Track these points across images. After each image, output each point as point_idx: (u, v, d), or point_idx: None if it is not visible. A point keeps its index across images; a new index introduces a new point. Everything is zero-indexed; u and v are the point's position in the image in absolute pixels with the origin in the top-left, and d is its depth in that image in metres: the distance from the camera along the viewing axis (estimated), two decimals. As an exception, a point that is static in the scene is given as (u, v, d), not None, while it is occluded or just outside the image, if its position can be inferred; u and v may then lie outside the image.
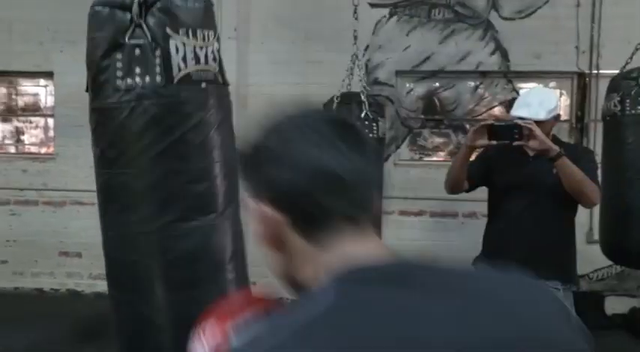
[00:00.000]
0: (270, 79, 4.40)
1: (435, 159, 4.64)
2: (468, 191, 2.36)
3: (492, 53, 4.37)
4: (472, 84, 4.51)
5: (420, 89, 4.57)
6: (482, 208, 2.48)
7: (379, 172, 0.53)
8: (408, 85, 4.58)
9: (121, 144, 1.32)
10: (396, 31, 4.42)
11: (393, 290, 0.53)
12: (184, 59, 1.30)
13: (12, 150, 5.03)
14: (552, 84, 4.72)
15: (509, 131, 2.02)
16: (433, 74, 4.48)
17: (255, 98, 4.49)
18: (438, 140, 4.63)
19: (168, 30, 1.29)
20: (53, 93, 4.81)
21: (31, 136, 5.07)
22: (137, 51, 1.28)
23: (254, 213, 0.63)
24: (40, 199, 4.79)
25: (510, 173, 2.18)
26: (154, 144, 1.30)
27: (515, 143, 2.02)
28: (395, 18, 4.42)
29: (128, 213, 1.34)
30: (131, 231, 1.34)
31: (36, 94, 5.00)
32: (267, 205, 0.61)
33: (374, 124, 2.88)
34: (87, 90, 1.40)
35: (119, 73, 1.29)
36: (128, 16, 1.29)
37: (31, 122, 5.05)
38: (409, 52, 4.41)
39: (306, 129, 0.61)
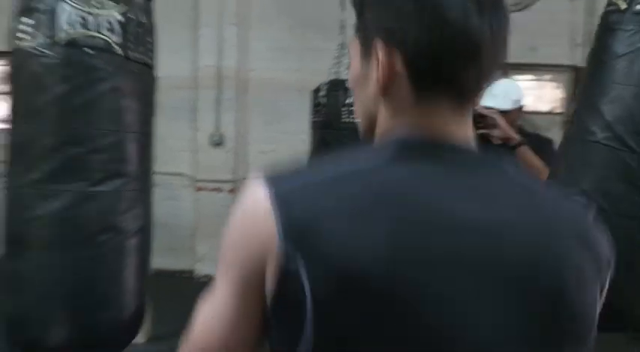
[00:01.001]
0: (269, 65, 4.54)
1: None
2: None
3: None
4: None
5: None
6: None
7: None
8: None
9: (12, 101, 1.43)
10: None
11: (434, 170, 0.57)
12: (71, 24, 1.35)
13: None
14: (548, 77, 4.80)
15: (473, 119, 2.14)
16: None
17: (255, 83, 4.64)
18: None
19: None
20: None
21: None
22: (35, 14, 1.36)
23: (368, 51, 0.61)
24: None
25: None
26: (33, 102, 1.39)
27: (479, 131, 2.14)
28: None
29: (12, 170, 1.42)
30: (13, 186, 1.41)
31: None
32: (386, 45, 0.58)
33: (360, 110, 3.01)
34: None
35: (20, 36, 1.36)
36: None
37: None
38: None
39: None
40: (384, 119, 0.61)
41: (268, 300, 0.55)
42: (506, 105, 2.19)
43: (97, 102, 1.38)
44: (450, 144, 0.59)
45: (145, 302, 1.56)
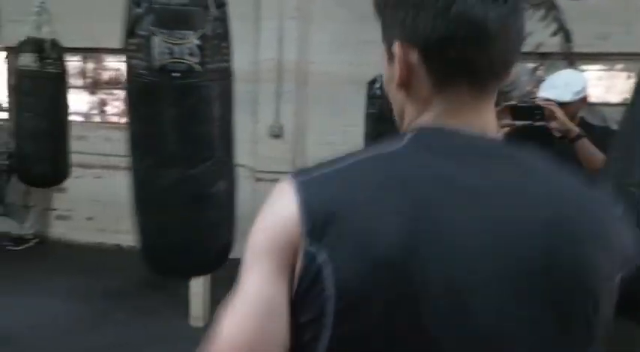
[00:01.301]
0: (328, 58, 4.58)
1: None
2: None
3: (554, 34, 4.27)
4: (531, 66, 4.45)
5: (477, 70, 4.56)
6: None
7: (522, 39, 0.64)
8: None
9: (126, 109, 1.91)
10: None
11: (444, 160, 0.60)
12: (161, 53, 1.69)
13: (97, 119, 5.59)
14: (619, 66, 4.55)
15: (531, 112, 2.09)
16: (490, 55, 4.46)
17: (315, 76, 4.70)
18: (493, 121, 4.63)
19: (152, 28, 1.69)
20: (133, 68, 5.27)
21: (113, 107, 5.60)
22: (139, 40, 1.71)
23: (388, 56, 0.66)
24: (121, 164, 5.28)
25: None
26: (134, 115, 1.87)
27: (537, 123, 2.09)
28: (453, -2, 4.43)
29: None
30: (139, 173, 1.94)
31: (118, 69, 5.49)
32: (402, 45, 0.63)
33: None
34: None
35: (130, 54, 1.76)
36: (140, 11, 1.69)
37: (113, 94, 5.57)
38: (467, 32, 4.41)
39: None
40: (409, 113, 0.67)
41: (293, 296, 0.58)
42: (566, 96, 2.13)
43: (187, 111, 1.75)
44: (465, 131, 0.62)
45: (232, 241, 2.15)
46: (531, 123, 2.10)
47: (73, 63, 5.07)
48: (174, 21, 1.70)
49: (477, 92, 0.63)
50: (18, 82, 3.56)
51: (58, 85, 3.54)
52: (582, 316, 0.59)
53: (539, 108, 2.08)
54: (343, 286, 0.54)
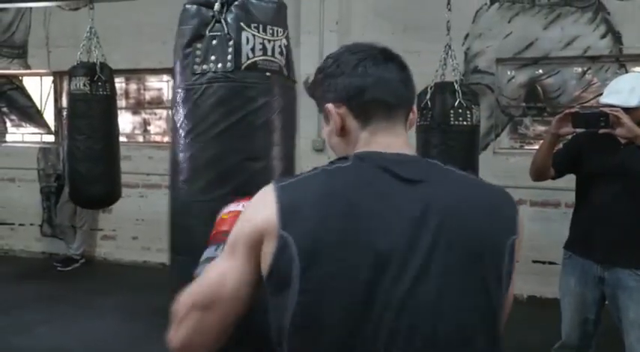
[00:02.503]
0: (369, 70, 4.54)
1: (536, 147, 4.49)
2: (554, 178, 2.37)
3: (603, 36, 4.15)
4: (579, 70, 4.32)
5: (522, 77, 4.46)
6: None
7: (411, 86, 0.97)
8: (509, 73, 4.50)
9: (192, 120, 1.50)
10: (496, 19, 4.36)
11: (380, 170, 0.85)
12: (253, 50, 1.47)
13: (140, 139, 5.67)
14: (673, 67, 4.37)
15: (595, 119, 2.01)
16: (536, 61, 4.35)
17: (354, 89, 4.66)
18: (541, 128, 4.50)
19: (242, 24, 1.48)
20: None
21: (156, 127, 5.68)
22: (214, 41, 1.48)
23: (326, 114, 0.94)
24: (163, 183, 5.35)
25: (600, 160, 2.15)
26: (219, 122, 1.47)
27: (602, 131, 2.00)
28: (496, 5, 4.35)
29: (190, 183, 1.52)
30: (190, 199, 1.52)
31: (160, 89, 5.58)
32: (338, 105, 0.92)
33: (468, 112, 2.93)
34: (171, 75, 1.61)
35: (197, 60, 1.49)
36: (210, 12, 1.50)
37: (155, 114, 5.65)
38: (510, 39, 4.32)
39: (357, 53, 0.94)
40: (349, 150, 0.92)
41: (265, 270, 0.82)
42: (632, 101, 2.03)
43: (274, 118, 1.51)
44: (385, 152, 0.88)
45: None
46: (596, 131, 2.02)
47: (116, 84, 5.17)
48: (266, 14, 1.51)
49: (390, 124, 0.92)
50: (71, 105, 3.63)
51: (109, 106, 3.60)
52: (489, 269, 0.85)
53: (604, 114, 1.99)
54: (302, 252, 0.78)
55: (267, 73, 1.48)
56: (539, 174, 2.35)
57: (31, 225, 5.84)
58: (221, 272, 0.86)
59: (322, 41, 4.55)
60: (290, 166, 1.60)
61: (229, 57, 1.45)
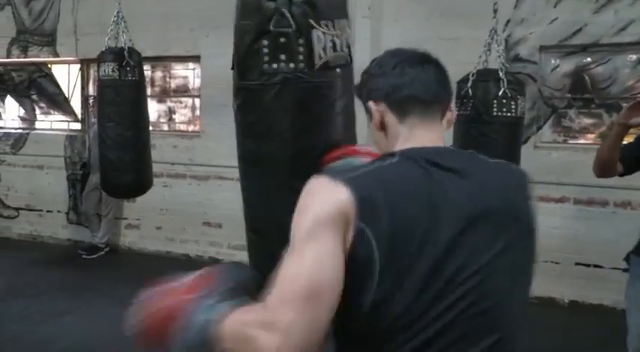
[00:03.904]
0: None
1: (582, 141, 4.23)
2: (622, 175, 2.12)
3: (659, 22, 3.82)
4: (633, 57, 4.00)
5: (568, 65, 4.17)
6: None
7: (447, 85, 1.03)
8: (553, 62, 4.21)
9: (268, 120, 1.47)
10: (541, 3, 4.07)
11: (425, 165, 0.90)
12: (324, 49, 1.41)
13: (165, 127, 5.59)
14: None
15: (634, 109, 1.80)
16: (584, 48, 4.05)
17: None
18: (587, 121, 4.21)
19: (311, 21, 1.40)
20: (200, 75, 5.23)
21: (181, 115, 5.58)
22: (282, 39, 1.40)
23: (369, 111, 1.02)
24: (188, 173, 5.27)
25: None
26: (296, 122, 1.44)
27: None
28: (541, -12, 4.07)
29: (268, 178, 1.51)
30: (269, 193, 1.51)
31: (185, 77, 5.47)
32: (378, 103, 1.01)
33: (512, 103, 2.69)
34: (232, 69, 1.53)
35: (265, 58, 1.41)
36: (273, 5, 1.40)
37: (181, 102, 5.56)
38: (556, 25, 4.03)
39: (396, 56, 1.03)
40: (390, 145, 1.01)
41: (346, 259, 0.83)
42: None
43: (341, 114, 1.49)
44: (425, 147, 0.96)
45: None
46: None
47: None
48: (333, 8, 1.44)
49: (427, 120, 1.00)
50: (100, 91, 3.56)
51: (138, 92, 3.51)
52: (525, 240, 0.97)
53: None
54: (380, 243, 0.83)
55: (338, 70, 1.45)
56: (604, 169, 2.12)
57: (59, 212, 5.85)
58: (315, 258, 0.81)
59: (355, 27, 4.33)
60: None
61: (301, 57, 1.40)
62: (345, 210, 0.83)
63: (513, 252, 0.91)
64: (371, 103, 1.01)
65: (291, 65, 1.40)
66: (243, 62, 1.46)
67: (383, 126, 1.00)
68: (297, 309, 0.77)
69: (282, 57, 1.40)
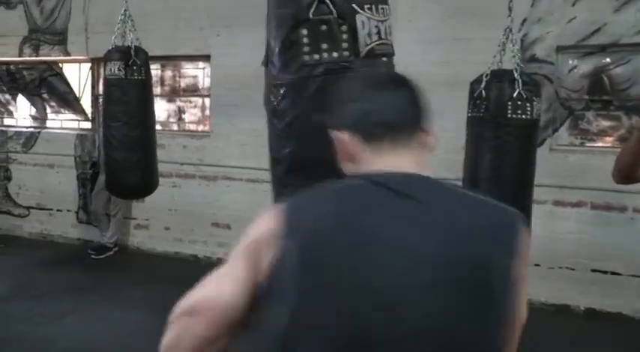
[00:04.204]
0: (417, 58, 4.23)
1: (600, 144, 4.11)
2: None
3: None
4: (653, 59, 3.87)
5: (586, 66, 4.05)
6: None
7: (420, 108, 0.96)
8: (570, 62, 4.09)
9: (310, 118, 1.29)
10: (559, 2, 3.95)
11: (385, 191, 0.83)
12: (369, 34, 1.29)
13: (175, 127, 5.55)
14: None
15: None
16: (603, 48, 3.93)
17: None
18: (605, 124, 4.09)
19: (354, 6, 1.28)
20: (209, 74, 5.18)
21: (191, 115, 5.54)
22: (323, 26, 1.28)
23: (336, 140, 0.95)
24: (197, 173, 5.22)
25: None
26: None
27: None
28: (559, -14, 3.96)
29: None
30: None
31: (195, 76, 5.43)
32: (342, 131, 0.93)
33: (527, 104, 2.59)
34: (264, 65, 1.41)
35: (305, 49, 1.29)
36: None
37: (190, 102, 5.51)
38: (574, 25, 3.92)
39: (363, 81, 1.00)
40: (353, 168, 0.94)
41: (264, 280, 0.82)
42: None
43: None
44: (390, 172, 0.88)
45: None
46: None
47: (151, 71, 5.06)
48: None
49: (396, 143, 0.92)
50: (106, 90, 3.52)
51: (145, 91, 3.47)
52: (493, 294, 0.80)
53: None
54: (302, 260, 0.79)
55: (384, 58, 1.32)
56: (625, 174, 2.01)
57: (68, 211, 5.85)
58: (220, 281, 0.87)
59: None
60: None
61: (345, 45, 1.27)
62: (267, 241, 0.82)
63: (456, 298, 0.79)
64: (336, 133, 0.93)
65: (335, 54, 1.27)
66: (280, 55, 1.33)
67: (348, 156, 0.93)
68: (180, 318, 0.88)
69: (324, 46, 1.27)
